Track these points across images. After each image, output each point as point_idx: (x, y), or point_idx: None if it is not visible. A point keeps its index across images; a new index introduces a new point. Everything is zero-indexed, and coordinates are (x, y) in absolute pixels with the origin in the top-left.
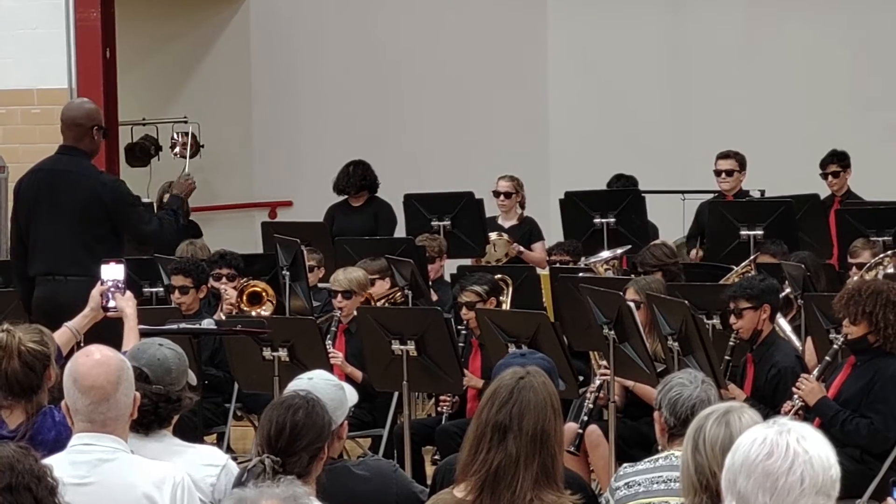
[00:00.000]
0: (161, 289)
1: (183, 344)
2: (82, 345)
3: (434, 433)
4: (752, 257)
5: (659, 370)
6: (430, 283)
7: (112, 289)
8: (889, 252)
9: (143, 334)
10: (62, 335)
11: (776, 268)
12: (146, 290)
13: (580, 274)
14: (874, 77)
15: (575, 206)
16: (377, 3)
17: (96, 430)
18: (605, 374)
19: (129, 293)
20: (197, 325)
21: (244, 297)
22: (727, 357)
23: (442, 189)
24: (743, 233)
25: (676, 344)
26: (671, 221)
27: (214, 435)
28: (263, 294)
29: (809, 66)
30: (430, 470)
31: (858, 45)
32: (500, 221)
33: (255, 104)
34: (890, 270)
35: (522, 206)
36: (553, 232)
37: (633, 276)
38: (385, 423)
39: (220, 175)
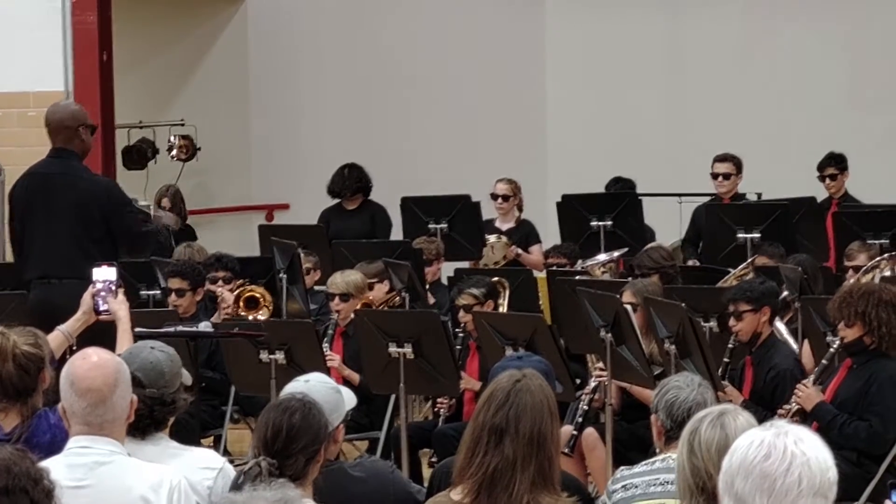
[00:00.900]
0: (158, 291)
1: (180, 347)
2: (75, 348)
3: (431, 436)
4: (749, 260)
5: (656, 373)
6: (428, 285)
7: (104, 291)
8: (886, 255)
9: (141, 337)
10: (55, 339)
11: (773, 271)
12: (143, 292)
13: (577, 277)
14: (871, 80)
15: (572, 209)
16: (375, 7)
17: (93, 433)
18: (601, 377)
19: (121, 296)
20: (194, 328)
21: (241, 302)
22: (726, 360)
23: (439, 192)
24: (740, 236)
25: (673, 347)
26: (668, 224)
27: (211, 438)
28: (260, 299)
29: (806, 70)
30: (426, 472)
31: (855, 48)
32: (497, 224)
33: (252, 107)
34: (887, 273)
35: (520, 209)
36: (550, 235)
37: (629, 278)
38: (382, 425)
39: (217, 178)
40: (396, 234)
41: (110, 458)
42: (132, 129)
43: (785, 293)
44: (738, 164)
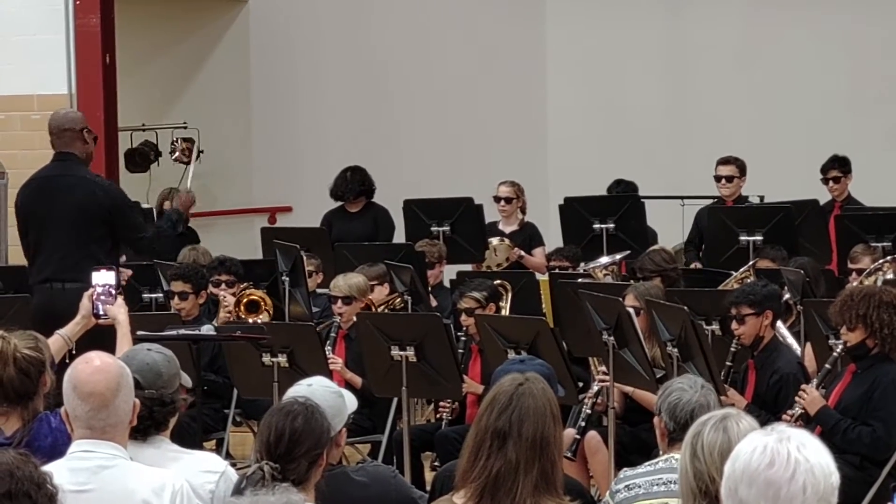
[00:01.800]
0: (161, 294)
1: (182, 350)
2: (74, 352)
3: (433, 439)
4: (751, 263)
5: (658, 376)
6: (430, 288)
7: (103, 295)
8: (889, 258)
9: (143, 340)
10: (54, 343)
11: (775, 273)
12: (146, 295)
13: (579, 279)
14: (874, 83)
15: (574, 212)
16: (377, 9)
17: (96, 437)
18: (603, 380)
19: (120, 300)
20: (196, 331)
21: (242, 306)
22: (728, 363)
23: (441, 195)
24: (742, 238)
25: (676, 350)
26: (670, 227)
27: (214, 441)
28: (261, 303)
29: (809, 72)
30: (429, 476)
31: (857, 50)
32: (500, 227)
33: (254, 109)
34: (889, 276)
35: (523, 212)
36: (552, 237)
37: (632, 281)
38: (384, 428)
39: (219, 180)
40: (399, 236)
41: (113, 462)
42: (135, 132)
43: (787, 296)
44: (741, 166)
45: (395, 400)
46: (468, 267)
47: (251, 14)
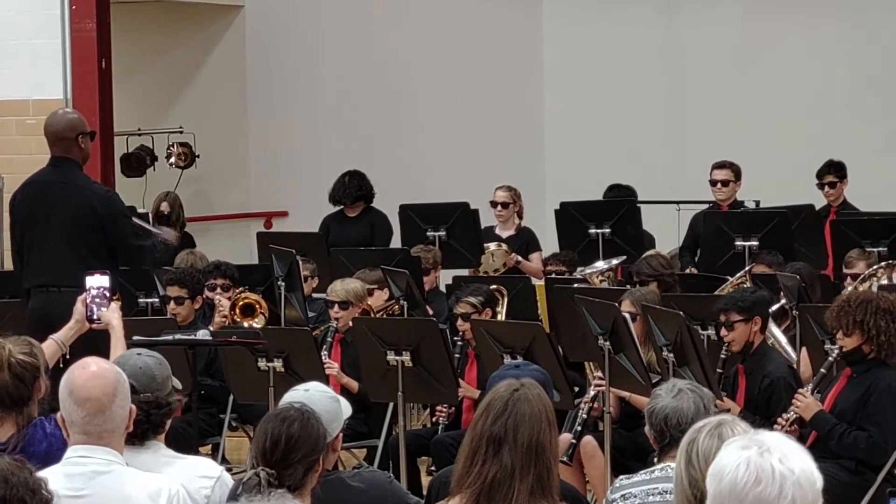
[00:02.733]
0: (156, 299)
1: (178, 355)
2: (68, 357)
3: (429, 444)
4: (747, 268)
5: (654, 381)
6: (426, 294)
7: (97, 299)
8: (884, 263)
9: (139, 345)
10: (48, 347)
11: (771, 278)
12: (141, 300)
13: (575, 284)
14: (870, 87)
15: (570, 217)
16: (373, 14)
17: (92, 443)
18: (599, 385)
19: (114, 304)
20: (192, 336)
21: (237, 309)
22: (719, 370)
23: (438, 199)
24: (738, 243)
25: (672, 355)
26: (666, 232)
27: (209, 446)
28: (256, 306)
29: (805, 77)
30: (425, 481)
31: (854, 55)
32: (497, 231)
33: (250, 114)
34: (884, 281)
35: (520, 217)
36: (549, 242)
37: (628, 286)
38: (380, 433)
39: (215, 185)
40: (395, 241)
41: (109, 467)
42: (131, 137)
43: (783, 301)
44: (736, 171)
45: (392, 405)
46: (464, 272)
47: (247, 19)
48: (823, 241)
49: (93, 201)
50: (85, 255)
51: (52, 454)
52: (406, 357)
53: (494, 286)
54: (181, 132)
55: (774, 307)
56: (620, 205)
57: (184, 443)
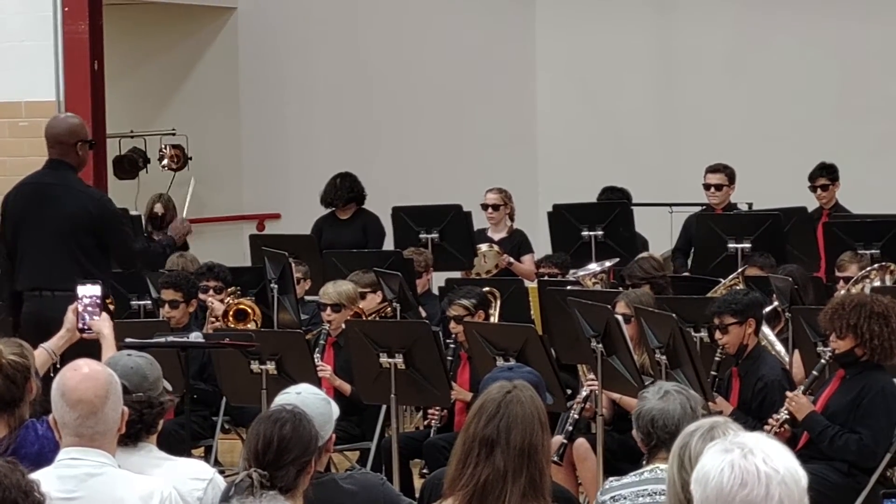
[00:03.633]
0: (149, 302)
1: (171, 357)
2: (59, 367)
3: (422, 446)
4: (739, 270)
5: (647, 383)
6: (418, 296)
7: (89, 308)
8: (876, 265)
9: (131, 347)
10: (39, 356)
11: (764, 281)
12: (134, 303)
13: (568, 287)
14: (862, 90)
15: (563, 219)
16: (366, 16)
17: (84, 445)
18: (591, 386)
19: (104, 315)
20: (185, 339)
21: (230, 316)
22: (714, 372)
23: (431, 202)
24: (731, 246)
25: (664, 357)
26: (659, 234)
27: (202, 448)
28: (250, 312)
29: (798, 79)
30: (418, 483)
31: (847, 57)
32: (489, 234)
33: (243, 116)
34: (877, 284)
35: (512, 219)
36: (541, 244)
37: (620, 288)
38: (373, 436)
39: (208, 187)
40: (387, 244)
41: (101, 469)
42: (123, 139)
43: (775, 303)
44: (730, 174)
45: (384, 407)
46: (457, 274)
47: (240, 21)
48: (816, 243)
49: (87, 205)
50: (79, 258)
51: (44, 456)
52: (399, 359)
53: (487, 288)
54: (174, 134)
55: (767, 309)
56: (613, 207)
57: (176, 445)
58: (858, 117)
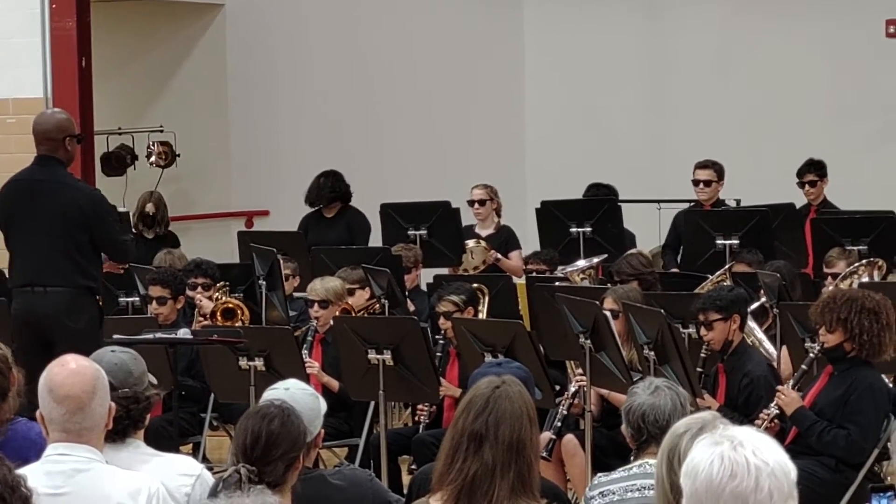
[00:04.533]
0: (137, 298)
1: (159, 354)
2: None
3: (411, 443)
4: (726, 266)
5: (635, 379)
6: (407, 292)
7: None
8: (864, 261)
9: (119, 344)
10: None
11: (752, 277)
12: (122, 299)
13: (556, 283)
14: (850, 87)
15: (551, 215)
16: (354, 14)
17: (71, 440)
18: (580, 382)
19: None
20: (173, 335)
21: (218, 315)
22: (699, 369)
23: (419, 198)
24: (719, 242)
25: (652, 353)
26: (647, 230)
27: (190, 445)
28: (238, 311)
29: (786, 76)
30: (406, 479)
31: (835, 55)
32: (477, 230)
33: (231, 113)
34: (865, 280)
35: (499, 215)
36: (530, 241)
37: (609, 284)
38: (361, 432)
39: (196, 184)
40: (376, 240)
41: (88, 465)
42: (111, 136)
43: (763, 299)
44: (719, 170)
45: (372, 403)
46: (445, 270)
47: (227, 17)
48: (804, 239)
49: (79, 200)
50: (71, 253)
51: (35, 452)
52: (387, 356)
53: (476, 285)
54: (161, 131)
55: (755, 305)
56: (601, 204)
57: (164, 442)
58: (846, 114)
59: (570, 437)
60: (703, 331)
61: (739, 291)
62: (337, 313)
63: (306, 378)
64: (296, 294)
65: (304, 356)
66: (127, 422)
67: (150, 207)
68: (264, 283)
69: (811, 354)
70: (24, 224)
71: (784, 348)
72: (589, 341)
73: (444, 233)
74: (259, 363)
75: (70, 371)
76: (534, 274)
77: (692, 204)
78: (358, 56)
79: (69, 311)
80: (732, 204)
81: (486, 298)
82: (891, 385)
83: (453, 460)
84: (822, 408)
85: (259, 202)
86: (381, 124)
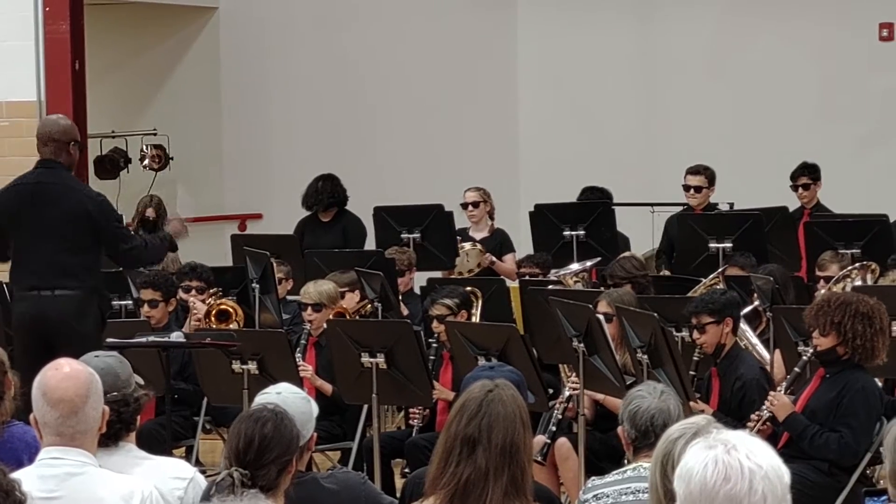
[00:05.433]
0: (130, 302)
1: (152, 357)
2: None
3: (404, 446)
4: (720, 270)
5: (629, 383)
6: (400, 296)
7: None
8: (858, 265)
9: (112, 347)
10: None
11: (745, 280)
12: (115, 303)
13: (550, 286)
14: (844, 90)
15: (545, 219)
16: (348, 16)
17: (65, 444)
18: (574, 386)
19: None
20: (166, 339)
21: (212, 317)
22: (692, 372)
23: (413, 202)
24: (712, 245)
25: (646, 357)
26: (641, 234)
27: (183, 448)
28: (232, 313)
29: (779, 79)
30: (399, 483)
31: (828, 58)
32: (471, 233)
33: (224, 116)
34: (858, 283)
35: (492, 217)
36: (523, 244)
37: (602, 288)
38: (354, 435)
39: (189, 187)
40: (369, 243)
41: (82, 469)
42: (104, 139)
43: (756, 303)
44: (710, 176)
45: (366, 407)
46: (438, 274)
47: (221, 21)
48: (797, 242)
49: (87, 205)
50: (78, 256)
51: (31, 456)
52: (380, 359)
53: (469, 288)
54: (155, 134)
55: (748, 309)
56: (595, 207)
57: (157, 445)
58: (839, 118)
59: (563, 441)
60: (695, 334)
61: (732, 295)
62: (330, 317)
63: (299, 382)
64: (289, 297)
65: (297, 359)
66: (119, 425)
67: (150, 212)
68: (257, 286)
69: (804, 358)
70: (30, 227)
71: (777, 352)
72: (582, 345)
73: (437, 236)
74: (252, 367)
75: (64, 375)
76: (527, 277)
77: (683, 208)
78: (351, 59)
79: (77, 314)
80: (725, 207)
81: (480, 302)
82: (882, 388)
83: (446, 464)
84: (813, 411)
85: (252, 205)
86: (375, 127)
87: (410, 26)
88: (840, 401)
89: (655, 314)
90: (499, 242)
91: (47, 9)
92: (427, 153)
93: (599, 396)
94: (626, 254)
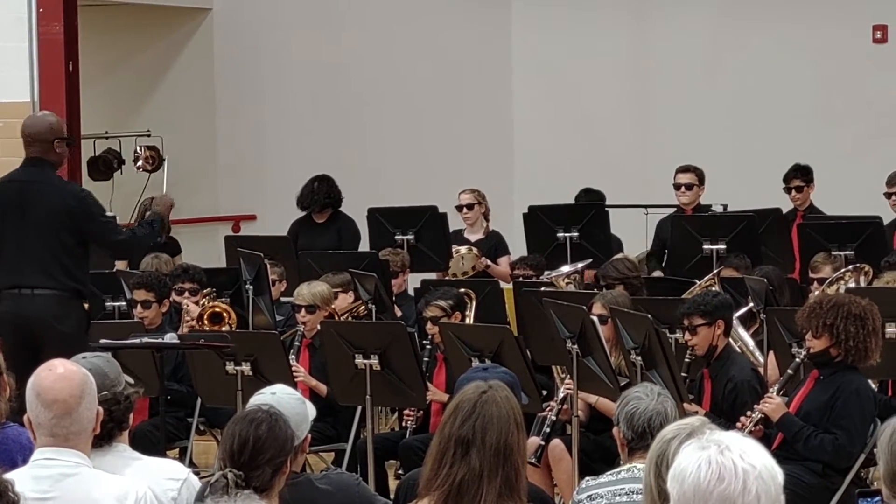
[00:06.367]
0: (124, 303)
1: (146, 358)
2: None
3: (397, 448)
4: (715, 271)
5: (622, 384)
6: (394, 297)
7: None
8: (851, 267)
9: (105, 348)
10: None
11: (739, 282)
12: (109, 303)
13: (543, 288)
14: (837, 92)
15: (538, 221)
16: (342, 18)
17: (59, 445)
18: (568, 388)
19: None
20: (160, 340)
21: (205, 319)
22: (684, 374)
23: (407, 203)
24: (706, 247)
25: (640, 358)
26: (634, 236)
27: (177, 449)
28: (225, 315)
29: (773, 81)
30: (393, 484)
31: (822, 59)
32: (466, 235)
33: (218, 118)
34: (851, 285)
35: (487, 219)
36: (517, 246)
37: (596, 289)
38: (348, 437)
39: (183, 189)
40: (363, 245)
41: (76, 469)
42: (98, 140)
43: (750, 304)
44: (700, 175)
45: (359, 408)
46: (432, 275)
47: (215, 22)
48: (790, 244)
49: (69, 201)
50: (59, 256)
51: (24, 457)
52: (374, 360)
53: (463, 289)
54: (149, 135)
55: (742, 310)
56: (588, 209)
57: (151, 446)
58: (833, 119)
59: (556, 442)
60: (687, 335)
61: (724, 297)
62: (324, 318)
63: (293, 383)
64: (283, 299)
65: (291, 361)
66: (111, 424)
67: (148, 214)
68: (251, 287)
69: (797, 359)
70: (12, 225)
71: (771, 353)
72: (576, 346)
73: (431, 237)
74: (246, 368)
75: (58, 375)
76: (521, 279)
77: (677, 209)
78: (345, 61)
79: (56, 314)
80: (719, 209)
81: (474, 303)
82: (877, 390)
83: (440, 465)
84: (807, 412)
85: (246, 206)
86: (369, 128)
87: (404, 27)
88: (834, 403)
89: (649, 315)
90: (494, 244)
91: (41, 10)
92: (421, 154)
93: (592, 399)
94: (620, 255)
